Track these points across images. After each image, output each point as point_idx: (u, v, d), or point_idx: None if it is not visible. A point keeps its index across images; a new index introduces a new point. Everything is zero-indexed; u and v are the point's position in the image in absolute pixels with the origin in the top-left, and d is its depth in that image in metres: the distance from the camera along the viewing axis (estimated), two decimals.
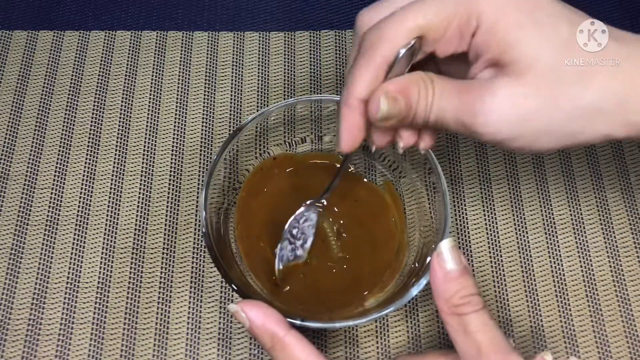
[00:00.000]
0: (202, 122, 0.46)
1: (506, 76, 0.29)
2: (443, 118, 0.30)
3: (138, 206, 0.43)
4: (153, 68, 0.47)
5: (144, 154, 0.44)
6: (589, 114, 0.29)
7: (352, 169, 0.42)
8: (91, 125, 0.45)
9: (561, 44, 0.29)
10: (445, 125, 0.30)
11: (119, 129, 0.45)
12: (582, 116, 0.29)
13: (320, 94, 0.47)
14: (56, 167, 0.44)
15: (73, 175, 0.44)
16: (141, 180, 0.44)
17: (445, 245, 0.29)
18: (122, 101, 0.46)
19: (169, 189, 0.43)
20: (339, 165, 0.39)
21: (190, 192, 0.43)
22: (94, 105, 0.46)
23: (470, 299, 0.28)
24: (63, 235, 0.42)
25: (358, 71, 0.30)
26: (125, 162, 0.44)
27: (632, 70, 0.29)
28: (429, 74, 0.30)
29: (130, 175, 0.44)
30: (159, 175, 0.44)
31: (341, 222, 0.40)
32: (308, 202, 0.39)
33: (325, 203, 0.39)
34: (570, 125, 0.29)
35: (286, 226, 0.38)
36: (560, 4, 0.30)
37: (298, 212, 0.39)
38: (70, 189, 0.43)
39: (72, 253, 0.41)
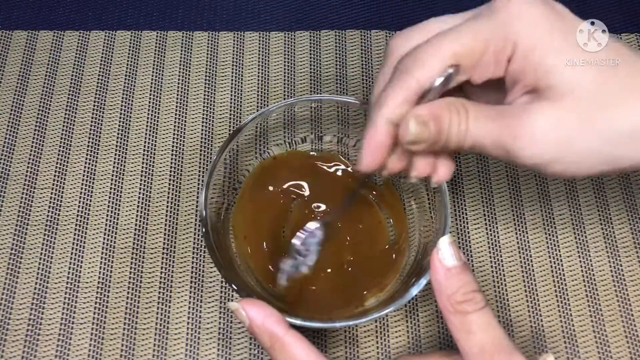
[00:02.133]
0: (202, 122, 0.46)
1: (545, 100, 0.29)
2: (480, 143, 0.30)
3: (138, 206, 0.43)
4: (153, 68, 0.47)
5: (144, 154, 0.44)
6: (629, 137, 0.29)
7: (351, 169, 0.42)
8: (91, 125, 0.45)
9: (600, 67, 0.28)
10: (483, 150, 0.30)
11: (119, 129, 0.45)
12: (622, 140, 0.29)
13: (320, 94, 0.47)
14: (56, 167, 0.44)
15: (73, 175, 0.44)
16: (141, 180, 0.44)
17: (445, 242, 0.29)
18: (122, 101, 0.46)
19: (169, 189, 0.43)
20: (349, 192, 0.39)
21: (190, 192, 0.43)
22: (94, 105, 0.46)
23: (472, 296, 0.28)
24: (63, 235, 0.42)
25: (392, 93, 0.30)
26: (125, 162, 0.44)
27: None
28: (461, 99, 0.30)
29: (130, 175, 0.44)
30: (159, 175, 0.44)
31: (341, 222, 0.40)
32: (317, 221, 0.38)
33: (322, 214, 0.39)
34: (611, 149, 0.29)
35: (296, 242, 0.37)
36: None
37: (305, 228, 0.38)
38: (70, 189, 0.43)
39: (72, 253, 0.41)
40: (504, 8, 0.29)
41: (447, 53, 0.29)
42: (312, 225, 0.37)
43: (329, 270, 0.39)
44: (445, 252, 0.29)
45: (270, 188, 0.41)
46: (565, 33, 0.29)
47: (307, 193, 0.41)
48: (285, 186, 0.41)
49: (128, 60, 0.48)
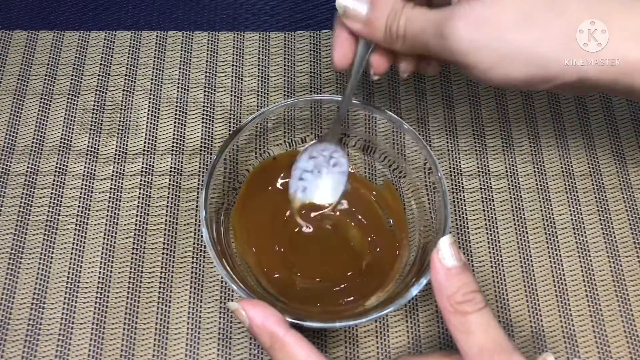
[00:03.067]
0: (202, 122, 0.46)
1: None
2: (423, 29, 0.31)
3: (138, 206, 0.43)
4: (153, 68, 0.47)
5: (144, 154, 0.44)
6: (560, 41, 0.29)
7: (352, 168, 0.42)
8: (91, 125, 0.45)
9: None
10: (424, 41, 0.32)
11: (119, 129, 0.45)
12: (553, 43, 0.29)
13: (320, 94, 0.47)
14: (56, 167, 0.44)
15: (73, 175, 0.44)
16: (141, 180, 0.44)
17: (445, 242, 0.29)
18: (122, 101, 0.46)
19: (169, 189, 0.43)
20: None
21: (190, 192, 0.43)
22: (94, 105, 0.46)
23: (472, 297, 0.28)
24: (63, 235, 0.42)
25: None
26: (125, 162, 0.44)
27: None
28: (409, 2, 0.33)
29: (130, 175, 0.44)
30: (159, 175, 0.44)
31: (340, 222, 0.40)
32: (324, 138, 0.39)
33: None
34: (536, 49, 0.30)
35: (306, 155, 0.39)
36: None
37: (318, 146, 0.39)
38: (70, 189, 0.43)
39: (72, 253, 0.41)
40: None
41: None
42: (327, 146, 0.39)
43: (332, 269, 0.39)
44: (445, 252, 0.29)
45: (270, 188, 0.41)
46: None
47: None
48: (285, 186, 0.41)
49: (128, 60, 0.48)
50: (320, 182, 0.39)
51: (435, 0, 0.35)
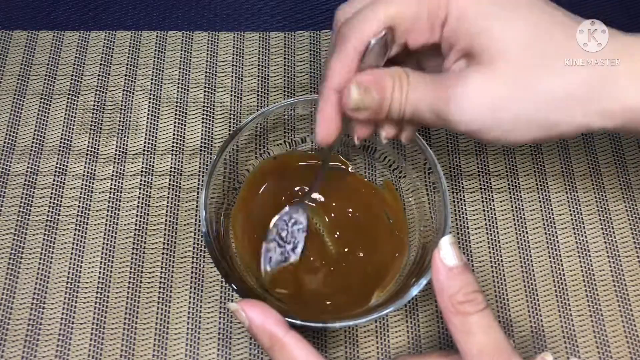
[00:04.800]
0: (202, 122, 0.46)
1: (477, 64, 0.29)
2: (417, 109, 0.30)
3: (138, 206, 0.43)
4: (153, 68, 0.47)
5: (144, 154, 0.44)
6: (561, 103, 0.29)
7: (351, 168, 0.42)
8: (91, 125, 0.45)
9: (531, 32, 0.29)
10: (421, 118, 0.30)
11: (119, 129, 0.45)
12: (554, 105, 0.29)
13: None
14: (56, 167, 0.44)
15: (73, 175, 0.44)
16: (141, 180, 0.44)
17: (447, 242, 0.29)
18: (122, 101, 0.46)
19: (169, 189, 0.43)
20: (321, 162, 0.39)
21: (190, 192, 0.43)
22: (94, 105, 0.46)
23: (473, 297, 0.28)
24: (63, 235, 0.42)
25: (332, 63, 0.31)
26: (125, 162, 0.44)
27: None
28: (405, 69, 0.31)
29: (130, 175, 0.44)
30: (159, 175, 0.44)
31: (340, 223, 0.40)
32: (293, 202, 0.39)
33: (313, 202, 0.39)
34: (543, 115, 0.29)
35: (271, 225, 0.38)
36: None
37: (283, 212, 0.38)
38: (70, 189, 0.43)
39: (72, 253, 0.41)
40: None
41: (381, 16, 0.30)
42: (289, 209, 0.38)
43: (332, 269, 0.39)
44: (447, 252, 0.29)
45: (270, 188, 0.41)
46: None
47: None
48: (285, 186, 0.41)
49: (128, 60, 0.48)
50: (281, 246, 0.38)
51: (426, 61, 0.34)
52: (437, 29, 0.30)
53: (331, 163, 0.42)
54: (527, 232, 0.42)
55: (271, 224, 0.38)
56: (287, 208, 0.38)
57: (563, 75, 0.28)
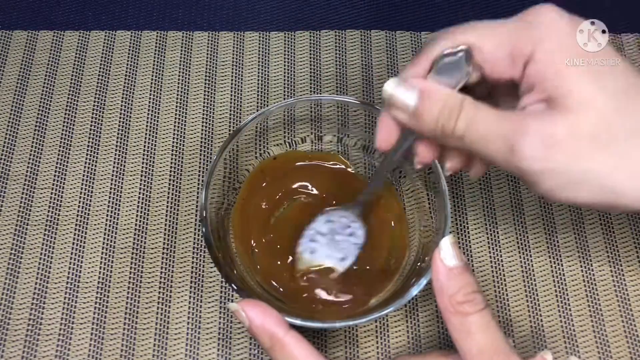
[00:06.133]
0: (202, 122, 0.46)
1: (560, 109, 0.28)
2: (485, 138, 0.29)
3: (138, 206, 0.43)
4: (153, 68, 0.47)
5: (144, 154, 0.44)
6: (634, 174, 0.28)
7: (351, 169, 0.42)
8: (91, 125, 0.45)
9: (618, 94, 0.28)
10: (487, 149, 0.29)
11: (119, 129, 0.45)
12: (630, 171, 0.28)
13: (320, 94, 0.47)
14: (56, 167, 0.44)
15: (73, 175, 0.44)
16: (141, 180, 0.44)
17: (447, 242, 0.29)
18: (122, 101, 0.46)
19: (169, 189, 0.43)
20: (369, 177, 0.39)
21: (190, 192, 0.43)
22: (94, 105, 0.46)
23: (473, 297, 0.28)
24: (63, 235, 0.42)
25: (403, 71, 0.31)
26: (125, 162, 0.44)
27: None
28: (468, 97, 0.29)
29: (130, 175, 0.44)
30: (159, 175, 0.44)
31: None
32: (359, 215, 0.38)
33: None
34: (615, 179, 0.28)
35: (334, 219, 0.38)
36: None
37: (341, 212, 0.38)
38: (70, 189, 0.43)
39: (72, 253, 0.41)
40: (533, 14, 0.29)
41: (461, 38, 0.30)
42: (350, 217, 0.38)
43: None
44: (447, 252, 0.29)
45: (270, 188, 0.41)
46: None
47: (307, 193, 0.41)
48: (285, 186, 0.41)
49: (128, 60, 0.48)
50: (332, 248, 0.38)
51: (499, 94, 0.33)
52: (518, 66, 0.29)
53: (331, 163, 0.42)
54: (527, 232, 0.42)
55: (323, 215, 0.38)
56: (343, 211, 0.38)
57: (635, 151, 0.28)
